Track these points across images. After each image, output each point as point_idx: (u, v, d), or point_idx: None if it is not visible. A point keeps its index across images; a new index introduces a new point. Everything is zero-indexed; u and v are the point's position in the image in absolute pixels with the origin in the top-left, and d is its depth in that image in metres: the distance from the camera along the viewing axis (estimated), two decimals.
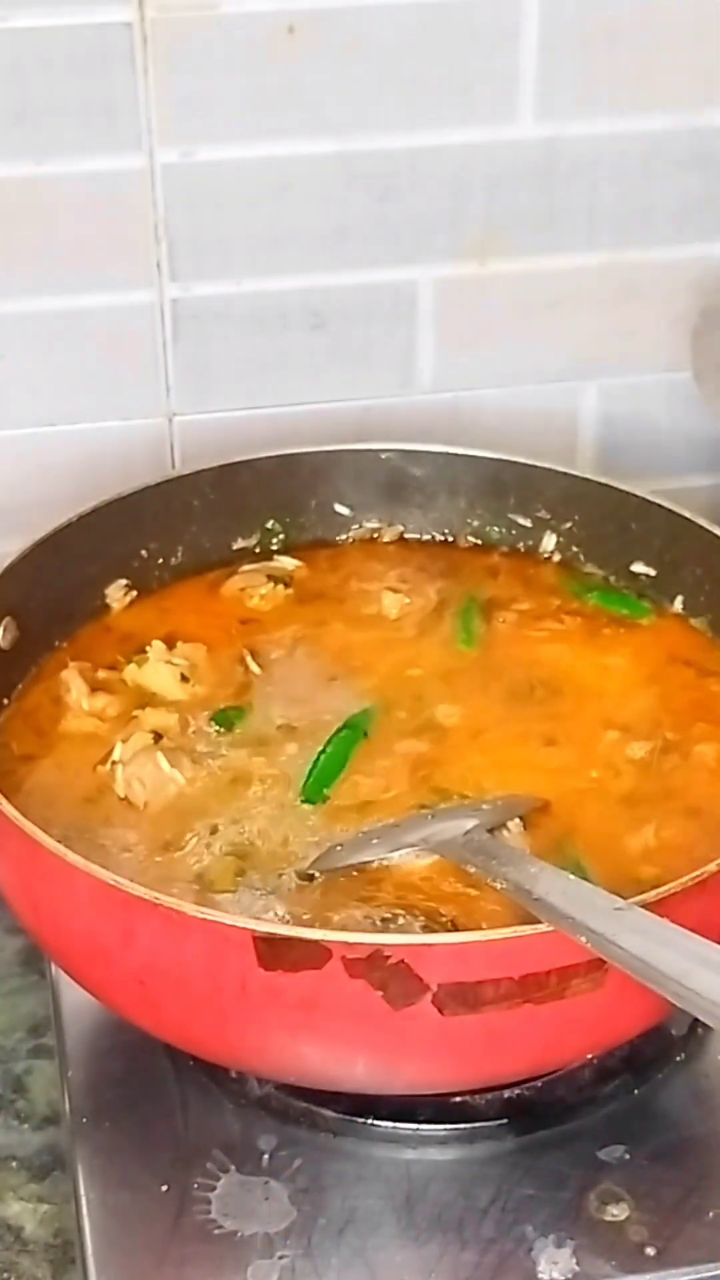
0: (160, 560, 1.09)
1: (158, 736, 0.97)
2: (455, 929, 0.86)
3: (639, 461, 1.23)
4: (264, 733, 0.98)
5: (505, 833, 0.91)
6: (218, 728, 0.98)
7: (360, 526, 1.14)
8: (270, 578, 1.09)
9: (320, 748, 0.96)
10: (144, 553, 1.08)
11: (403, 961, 0.78)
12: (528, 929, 0.79)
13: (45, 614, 1.03)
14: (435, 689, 1.02)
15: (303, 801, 0.94)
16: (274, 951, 0.79)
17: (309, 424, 1.18)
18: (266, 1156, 0.90)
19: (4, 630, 1.00)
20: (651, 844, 0.91)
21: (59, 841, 0.83)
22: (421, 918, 0.86)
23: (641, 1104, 0.93)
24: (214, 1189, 0.89)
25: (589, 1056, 0.92)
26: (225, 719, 0.99)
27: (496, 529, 1.13)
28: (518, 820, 0.92)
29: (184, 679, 1.01)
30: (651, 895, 0.80)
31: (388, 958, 0.78)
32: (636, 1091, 0.93)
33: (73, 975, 0.91)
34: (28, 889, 0.88)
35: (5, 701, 1.00)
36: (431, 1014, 0.79)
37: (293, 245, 1.13)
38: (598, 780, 0.95)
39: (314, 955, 0.78)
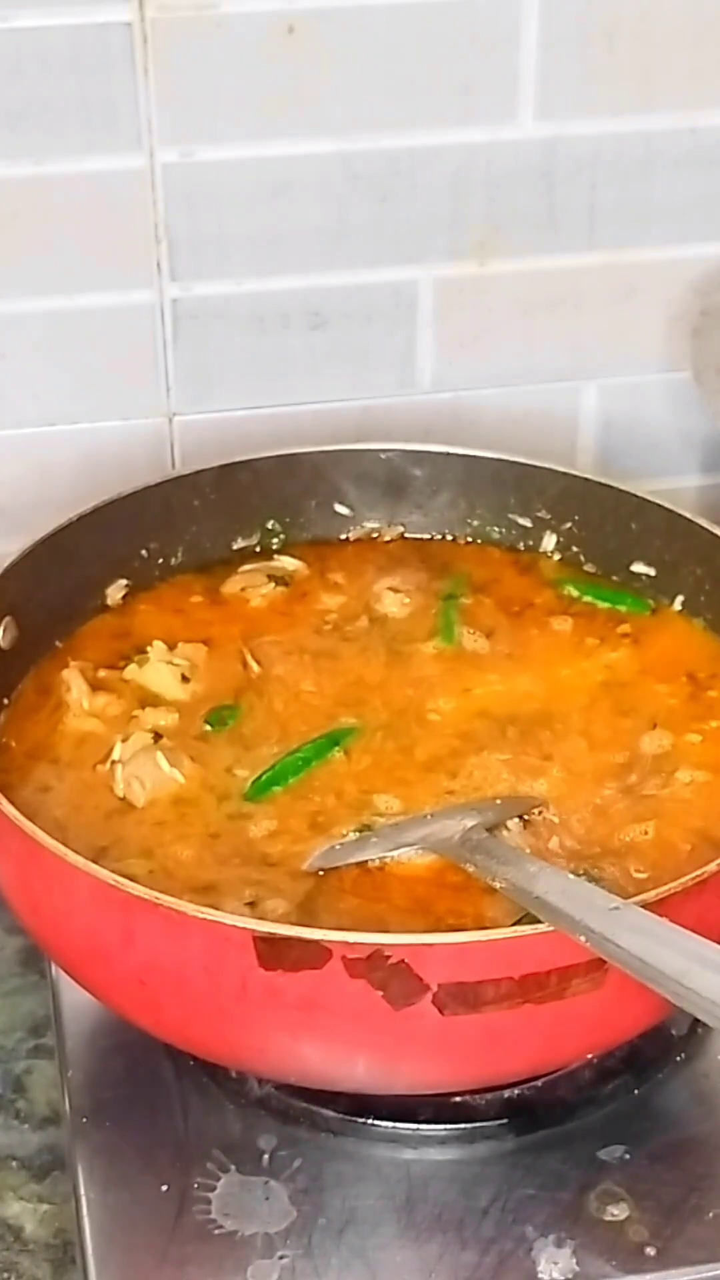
0: (160, 560, 1.09)
1: (158, 736, 0.97)
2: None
3: (639, 461, 1.23)
4: (256, 732, 0.98)
5: (505, 832, 0.91)
6: (209, 727, 0.98)
7: (360, 526, 1.13)
8: (270, 578, 1.09)
9: (289, 751, 0.96)
10: (144, 553, 1.08)
11: (403, 961, 0.78)
12: (528, 929, 0.79)
13: (45, 614, 1.03)
14: (433, 690, 1.01)
15: (246, 797, 0.94)
16: (274, 951, 0.79)
17: (309, 424, 1.18)
18: (266, 1156, 0.90)
19: (4, 630, 1.00)
20: (642, 844, 0.91)
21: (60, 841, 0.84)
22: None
23: (641, 1104, 0.93)
24: (214, 1189, 0.89)
25: (589, 1056, 0.92)
26: (218, 718, 0.99)
27: (496, 529, 1.13)
28: (517, 820, 0.92)
29: (184, 679, 1.01)
30: (651, 895, 0.80)
31: (388, 957, 0.78)
32: (636, 1091, 0.93)
33: (73, 975, 0.91)
34: (28, 889, 0.88)
35: (5, 701, 1.00)
36: (431, 1014, 0.79)
37: (293, 245, 1.13)
38: (593, 783, 0.95)
39: (314, 955, 0.78)
